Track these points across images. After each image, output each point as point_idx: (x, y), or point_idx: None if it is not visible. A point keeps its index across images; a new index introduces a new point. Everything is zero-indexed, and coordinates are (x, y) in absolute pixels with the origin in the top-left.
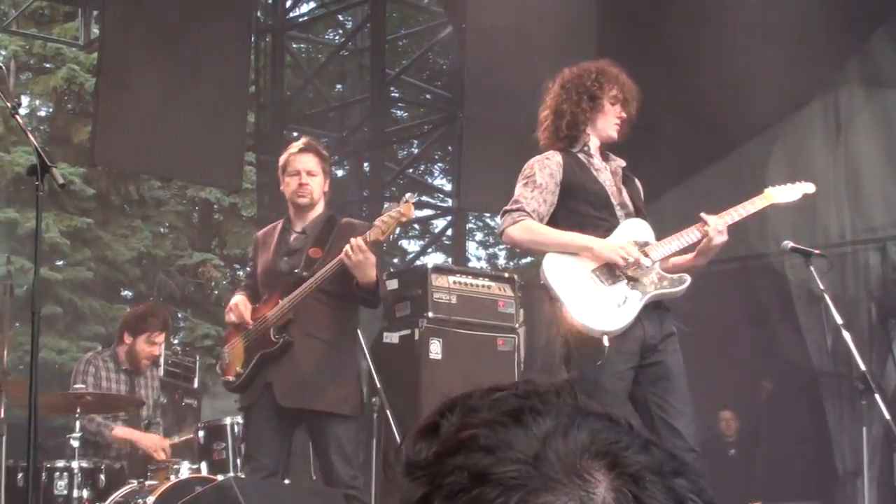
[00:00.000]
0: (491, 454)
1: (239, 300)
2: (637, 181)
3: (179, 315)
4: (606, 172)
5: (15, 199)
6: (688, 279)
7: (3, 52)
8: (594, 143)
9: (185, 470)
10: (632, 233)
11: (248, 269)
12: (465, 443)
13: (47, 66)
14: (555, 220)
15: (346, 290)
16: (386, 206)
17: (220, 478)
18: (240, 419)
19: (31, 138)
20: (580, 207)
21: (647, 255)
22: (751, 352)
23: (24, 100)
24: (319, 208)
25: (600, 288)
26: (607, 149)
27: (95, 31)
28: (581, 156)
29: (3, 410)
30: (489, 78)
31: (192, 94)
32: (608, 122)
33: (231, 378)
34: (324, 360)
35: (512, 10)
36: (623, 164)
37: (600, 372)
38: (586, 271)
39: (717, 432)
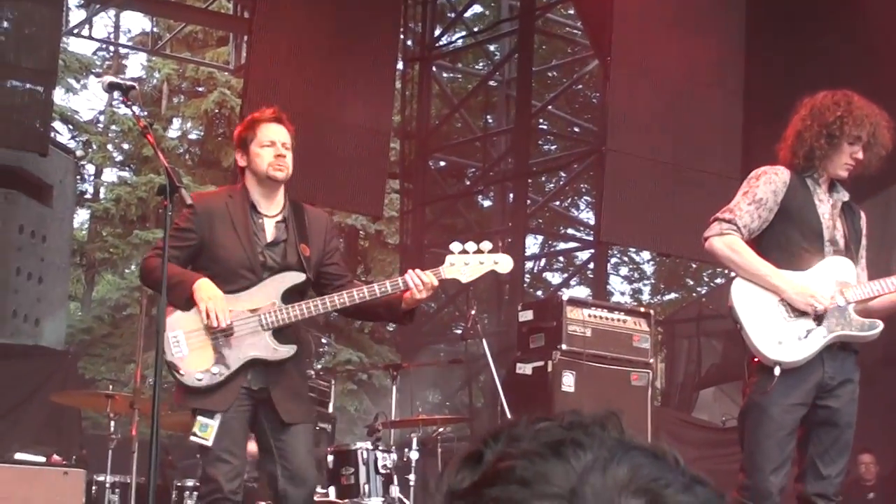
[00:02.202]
0: (527, 487)
1: (218, 292)
2: (863, 216)
3: (323, 340)
4: (827, 205)
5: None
6: (880, 325)
7: (157, 75)
8: (825, 174)
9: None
10: (834, 272)
11: (179, 235)
12: (502, 474)
13: (199, 89)
14: (762, 238)
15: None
16: (484, 246)
17: (346, 503)
18: (369, 445)
19: (162, 158)
20: (791, 233)
21: (843, 295)
22: (892, 393)
23: (176, 122)
24: (282, 190)
25: (785, 318)
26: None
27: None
28: (809, 182)
29: (135, 428)
30: (634, 111)
31: (337, 120)
32: (839, 163)
33: (201, 377)
34: (303, 371)
35: (657, 44)
36: (846, 197)
37: (769, 401)
38: (774, 301)
39: (856, 475)
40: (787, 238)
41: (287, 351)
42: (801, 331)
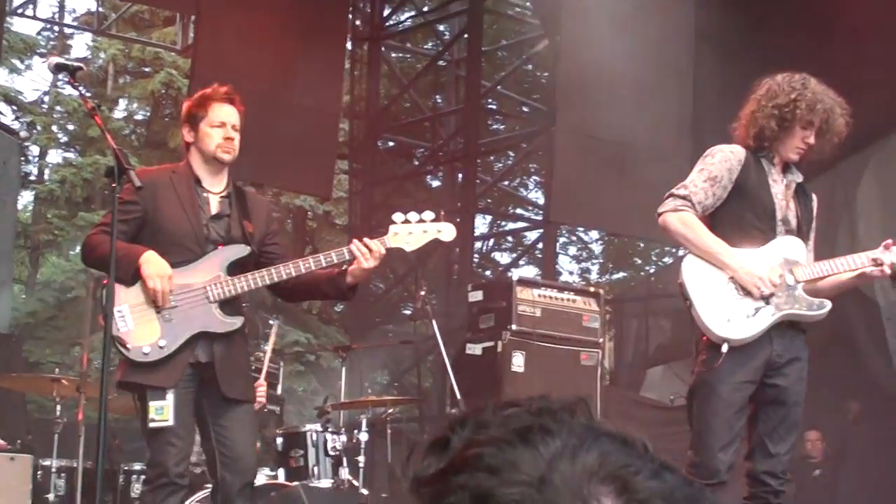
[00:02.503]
0: (495, 475)
1: (166, 268)
2: (815, 198)
3: (271, 321)
4: (781, 186)
5: (109, 202)
6: (828, 304)
7: (103, 56)
8: (777, 156)
9: (262, 476)
10: (784, 251)
11: (123, 209)
12: (469, 461)
13: (145, 70)
14: (715, 216)
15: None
16: (426, 216)
17: (296, 485)
18: (318, 427)
19: (110, 140)
20: (744, 212)
21: (792, 274)
22: (838, 372)
23: (122, 103)
24: (226, 170)
25: (734, 296)
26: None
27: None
28: (764, 161)
29: (81, 411)
30: (582, 91)
31: (286, 100)
32: (791, 146)
33: (147, 350)
34: (245, 346)
35: (606, 23)
36: (800, 179)
37: (717, 379)
38: (724, 278)
39: (802, 452)
40: (739, 216)
41: (235, 322)
42: (749, 309)
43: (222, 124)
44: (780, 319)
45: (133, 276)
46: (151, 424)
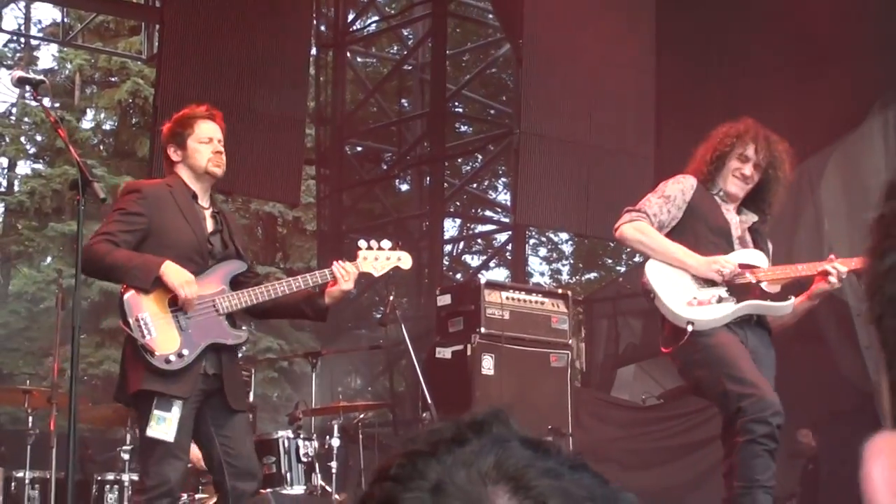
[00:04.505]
0: (400, 483)
1: (190, 276)
2: (770, 244)
3: (243, 328)
4: (735, 216)
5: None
6: (791, 299)
7: (69, 66)
8: (723, 191)
9: None
10: (744, 258)
11: (128, 219)
12: (383, 472)
13: (112, 79)
14: (671, 234)
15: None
16: (385, 245)
17: (268, 492)
18: (290, 433)
19: (73, 153)
20: (699, 228)
21: (753, 274)
22: (804, 371)
23: (90, 113)
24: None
25: (697, 287)
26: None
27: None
28: (716, 196)
29: (53, 422)
30: (546, 93)
31: (252, 107)
32: (727, 175)
33: (173, 359)
34: (237, 358)
35: (569, 26)
36: (755, 219)
37: (710, 333)
38: (686, 276)
39: (795, 448)
40: (695, 233)
41: (242, 335)
42: (713, 297)
43: (210, 140)
44: (744, 310)
45: (153, 283)
46: (150, 432)
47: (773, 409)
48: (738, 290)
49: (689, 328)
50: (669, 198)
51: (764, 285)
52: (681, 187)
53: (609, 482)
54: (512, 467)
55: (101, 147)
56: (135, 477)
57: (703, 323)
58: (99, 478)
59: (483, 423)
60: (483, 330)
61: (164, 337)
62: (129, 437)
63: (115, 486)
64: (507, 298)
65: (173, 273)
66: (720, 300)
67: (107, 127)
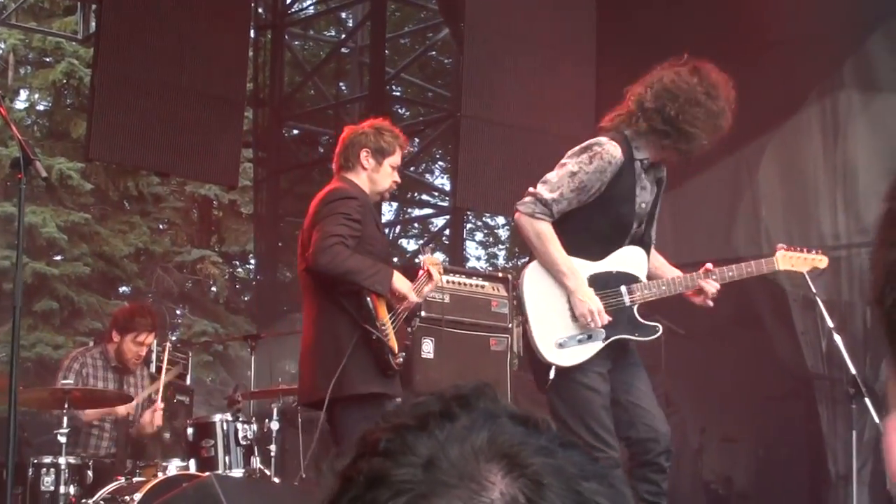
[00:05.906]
0: (389, 458)
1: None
2: (665, 181)
3: (177, 311)
4: (647, 191)
5: (12, 193)
6: (659, 329)
7: (2, 46)
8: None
9: (173, 467)
10: (625, 263)
11: (351, 224)
12: (370, 446)
13: (47, 60)
14: (569, 215)
15: None
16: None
17: (209, 475)
18: (229, 416)
19: (15, 131)
20: (598, 225)
21: (630, 295)
22: (744, 354)
23: (23, 94)
24: None
25: (568, 317)
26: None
27: (95, 24)
28: (637, 164)
29: None
30: (487, 76)
31: (190, 89)
32: (660, 150)
33: (400, 360)
34: None
35: (509, 8)
36: (664, 173)
37: (581, 373)
38: (563, 295)
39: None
40: (589, 228)
41: None
42: (582, 334)
43: (395, 169)
44: (611, 342)
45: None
46: None
47: (615, 464)
48: (610, 320)
49: (552, 374)
50: (585, 188)
51: (636, 308)
52: (601, 176)
53: (598, 460)
54: (506, 444)
55: (35, 128)
56: (72, 460)
57: (565, 367)
58: (35, 461)
59: (469, 398)
60: (423, 313)
61: (393, 343)
62: (65, 420)
63: (52, 469)
64: (448, 282)
65: (401, 281)
66: (588, 338)
67: (41, 108)
